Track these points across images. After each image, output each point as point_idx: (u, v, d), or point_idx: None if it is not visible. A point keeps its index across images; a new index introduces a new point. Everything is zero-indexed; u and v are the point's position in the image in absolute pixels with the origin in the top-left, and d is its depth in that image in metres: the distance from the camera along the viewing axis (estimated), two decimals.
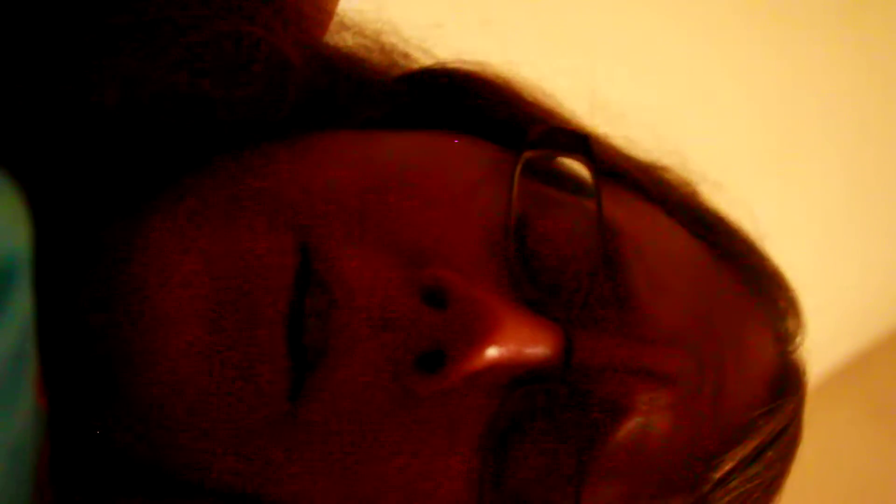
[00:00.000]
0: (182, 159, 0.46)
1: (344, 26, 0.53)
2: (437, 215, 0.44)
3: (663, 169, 0.54)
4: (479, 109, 0.52)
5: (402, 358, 0.42)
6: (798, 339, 0.53)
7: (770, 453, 0.48)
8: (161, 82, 0.45)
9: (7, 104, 0.42)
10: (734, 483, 0.47)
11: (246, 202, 0.44)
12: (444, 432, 0.43)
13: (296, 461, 0.43)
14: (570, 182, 0.48)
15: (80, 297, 0.44)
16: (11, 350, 0.32)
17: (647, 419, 0.44)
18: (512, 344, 0.42)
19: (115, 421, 0.44)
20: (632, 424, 0.44)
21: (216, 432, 0.43)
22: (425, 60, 0.55)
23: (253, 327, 0.41)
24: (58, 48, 0.44)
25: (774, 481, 0.49)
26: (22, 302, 0.32)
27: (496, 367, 0.42)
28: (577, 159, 0.46)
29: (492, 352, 0.41)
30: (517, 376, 0.43)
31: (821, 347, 0.55)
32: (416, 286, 0.42)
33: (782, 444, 0.49)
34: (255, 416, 0.42)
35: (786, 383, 0.50)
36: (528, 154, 0.46)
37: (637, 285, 0.45)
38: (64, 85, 0.44)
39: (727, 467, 0.46)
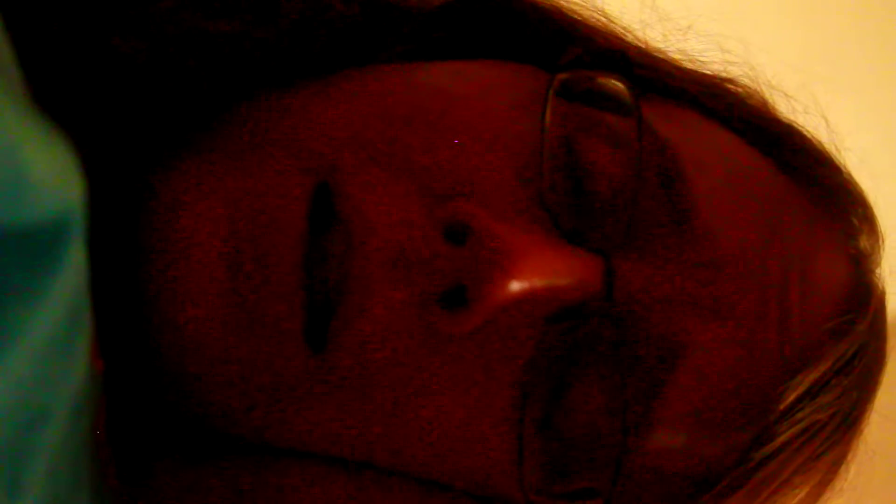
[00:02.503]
0: (215, 105, 0.46)
1: None
2: (465, 146, 0.43)
3: (727, 81, 0.52)
4: (521, 31, 0.51)
5: (424, 297, 0.41)
6: (874, 258, 0.51)
7: (842, 380, 0.46)
8: (189, 23, 0.45)
9: (38, 58, 0.41)
10: (802, 413, 0.45)
11: (265, 142, 0.43)
12: (481, 372, 0.42)
13: (323, 409, 0.42)
14: (618, 104, 0.46)
15: (117, 251, 0.44)
16: (66, 309, 0.33)
17: (706, 357, 0.43)
18: (537, 277, 0.40)
19: (155, 376, 0.44)
20: (688, 366, 0.43)
21: (241, 383, 0.42)
22: None
23: (268, 271, 0.41)
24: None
25: (854, 411, 0.47)
26: (77, 258, 0.32)
27: (523, 301, 0.40)
28: (615, 77, 0.45)
29: (515, 286, 0.40)
30: (554, 312, 0.41)
31: None
32: (439, 221, 0.41)
33: (857, 370, 0.47)
34: (276, 363, 0.42)
35: (856, 304, 0.48)
36: (561, 75, 0.44)
37: (696, 201, 0.44)
38: (88, 33, 0.44)
39: (793, 395, 0.45)
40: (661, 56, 0.52)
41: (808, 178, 0.50)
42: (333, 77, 0.46)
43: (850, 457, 0.48)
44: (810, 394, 0.45)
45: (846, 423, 0.47)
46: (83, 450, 0.38)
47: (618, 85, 0.45)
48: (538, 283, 0.40)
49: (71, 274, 0.32)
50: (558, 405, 0.43)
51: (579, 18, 0.52)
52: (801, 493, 0.47)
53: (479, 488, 0.44)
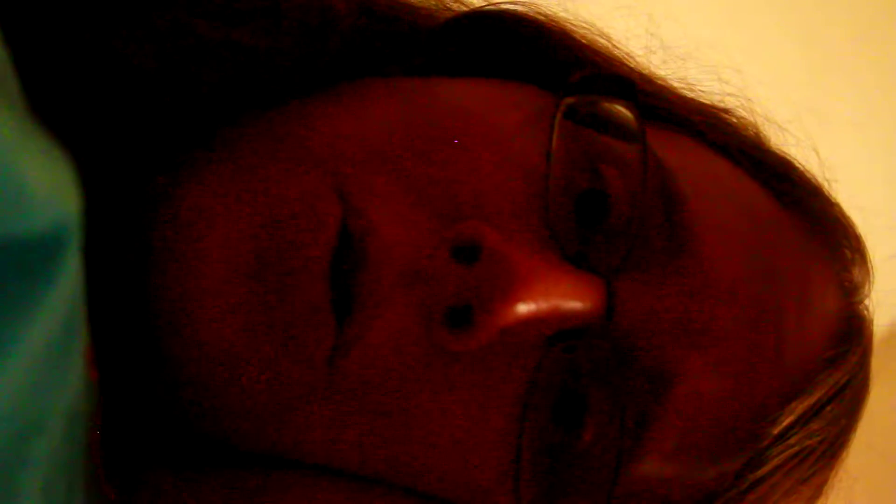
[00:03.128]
0: (224, 113, 0.46)
1: None
2: (474, 165, 0.44)
3: (724, 111, 0.53)
4: (527, 53, 0.52)
5: (430, 314, 0.42)
6: (864, 290, 0.52)
7: (833, 407, 0.47)
8: (199, 34, 0.45)
9: (45, 67, 0.42)
10: (794, 439, 0.46)
11: (283, 154, 0.44)
12: (483, 390, 0.42)
13: (329, 418, 0.43)
14: (622, 129, 0.46)
15: (124, 259, 0.44)
16: (62, 318, 0.33)
17: (699, 384, 0.44)
18: (542, 299, 0.41)
19: (163, 386, 0.44)
20: (682, 392, 0.43)
21: (256, 390, 0.43)
22: (475, 2, 0.55)
23: (295, 280, 0.41)
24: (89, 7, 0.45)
25: (840, 438, 0.49)
26: (73, 270, 0.32)
27: (527, 323, 0.41)
28: (621, 103, 0.45)
29: (521, 308, 0.41)
30: (555, 334, 0.42)
31: (891, 297, 0.54)
32: (448, 240, 0.42)
33: (846, 399, 0.48)
34: (297, 373, 0.42)
35: (849, 334, 0.49)
36: (569, 99, 0.45)
37: (694, 228, 0.44)
38: (99, 43, 0.44)
39: (786, 422, 0.46)
40: (663, 83, 0.53)
41: (803, 210, 0.51)
42: (345, 88, 0.47)
43: (833, 480, 0.50)
44: (802, 420, 0.46)
45: (833, 448, 0.48)
46: (78, 460, 0.38)
47: (623, 110, 0.45)
48: (543, 305, 0.41)
49: (67, 285, 0.32)
50: (555, 427, 0.43)
51: (585, 42, 0.53)
52: None
53: (475, 502, 0.44)
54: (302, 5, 0.47)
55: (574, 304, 0.41)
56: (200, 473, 0.44)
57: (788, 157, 0.53)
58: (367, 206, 0.42)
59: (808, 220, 0.51)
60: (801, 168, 0.53)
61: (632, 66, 0.53)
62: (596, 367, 0.43)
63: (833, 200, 0.53)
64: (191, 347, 0.42)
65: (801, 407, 0.46)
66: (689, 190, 0.45)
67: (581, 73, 0.47)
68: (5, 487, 0.33)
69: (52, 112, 0.35)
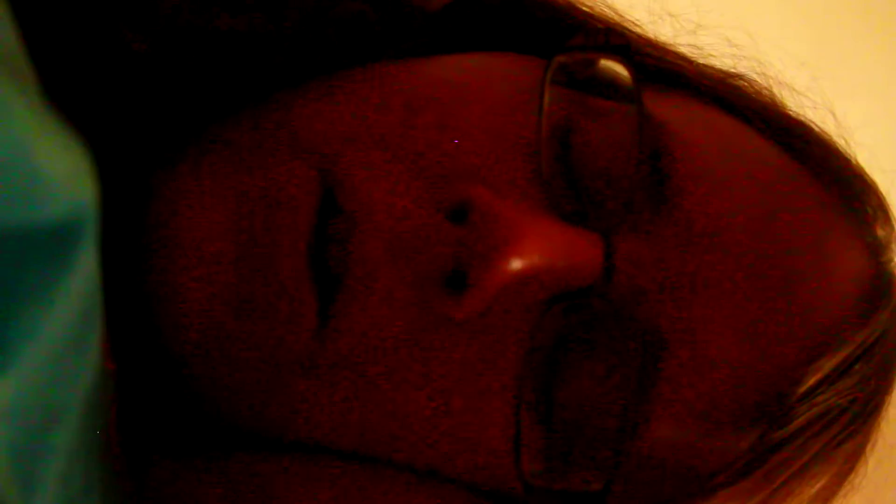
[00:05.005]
0: (220, 101, 0.46)
1: None
2: (465, 133, 0.43)
3: (736, 76, 0.53)
4: (526, 21, 0.51)
5: (426, 279, 0.41)
6: (891, 248, 0.51)
7: (861, 366, 0.46)
8: (196, 20, 0.46)
9: (51, 56, 0.42)
10: (821, 398, 0.45)
11: (270, 139, 0.44)
12: (479, 356, 0.42)
13: (323, 392, 0.43)
14: (618, 91, 0.46)
15: (122, 248, 0.44)
16: (80, 307, 0.33)
17: (703, 342, 0.43)
18: (538, 254, 0.40)
19: (161, 369, 0.45)
20: (685, 352, 0.43)
21: (246, 373, 0.43)
22: None
23: (274, 260, 0.41)
24: None
25: (872, 400, 0.47)
26: (90, 257, 0.33)
27: (524, 280, 0.40)
28: (614, 59, 0.45)
29: (515, 264, 0.40)
30: (553, 293, 0.41)
31: None
32: (439, 203, 0.41)
33: (876, 358, 0.47)
34: (281, 347, 0.42)
35: (877, 293, 0.48)
36: (560, 58, 0.44)
37: (684, 182, 0.44)
38: (97, 29, 0.45)
39: (811, 381, 0.45)
40: (667, 47, 0.52)
41: (820, 167, 0.50)
42: (339, 74, 0.47)
43: (868, 449, 0.48)
44: (830, 379, 0.45)
45: (865, 411, 0.47)
46: (95, 450, 0.39)
47: (617, 68, 0.45)
48: (539, 261, 0.40)
49: (83, 273, 0.33)
50: (556, 393, 0.43)
51: (587, 10, 0.52)
52: (819, 484, 0.47)
53: (476, 477, 0.44)
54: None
55: (572, 261, 0.41)
56: (204, 459, 0.45)
57: (804, 119, 0.53)
58: (354, 179, 0.42)
59: (826, 178, 0.50)
60: (818, 129, 0.52)
61: (636, 31, 0.52)
62: (596, 327, 0.42)
63: (852, 159, 0.52)
64: (182, 332, 0.43)
65: (827, 365, 0.45)
66: (679, 143, 0.44)
67: (575, 33, 0.46)
68: (26, 476, 0.33)
69: (66, 100, 0.35)
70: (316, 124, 0.44)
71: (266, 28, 0.47)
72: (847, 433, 0.46)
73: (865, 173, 0.52)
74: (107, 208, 0.34)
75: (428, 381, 0.42)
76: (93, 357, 0.36)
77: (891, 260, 0.51)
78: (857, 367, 0.46)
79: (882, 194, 0.52)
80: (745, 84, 0.52)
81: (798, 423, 0.44)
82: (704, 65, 0.52)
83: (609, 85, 0.46)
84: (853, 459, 0.48)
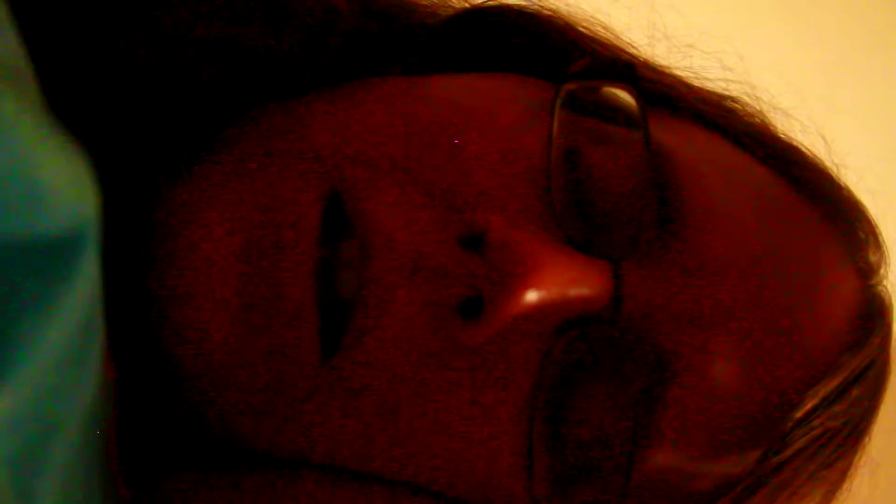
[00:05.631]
0: (228, 115, 0.47)
1: None
2: (475, 158, 0.44)
3: (730, 99, 0.54)
4: (529, 46, 0.52)
5: (441, 306, 0.42)
6: (882, 272, 0.52)
7: (855, 390, 0.47)
8: (200, 34, 0.46)
9: (61, 67, 0.43)
10: (817, 422, 0.46)
11: (276, 152, 0.44)
12: (492, 382, 0.43)
13: (333, 417, 0.43)
14: (623, 116, 0.47)
15: (126, 262, 0.44)
16: (80, 318, 0.33)
17: (706, 368, 0.44)
18: (554, 286, 0.41)
19: (166, 385, 0.45)
20: (689, 377, 0.43)
21: (252, 390, 0.43)
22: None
23: (280, 280, 0.42)
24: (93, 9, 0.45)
25: (863, 421, 0.49)
26: (91, 270, 0.33)
27: (540, 311, 0.41)
28: (622, 88, 0.46)
29: (532, 295, 0.41)
30: (566, 320, 0.42)
31: None
32: (454, 231, 0.42)
33: (869, 381, 0.48)
34: (288, 371, 0.42)
35: (870, 317, 0.50)
36: (568, 86, 0.45)
37: (690, 210, 0.45)
38: (103, 45, 0.45)
39: (808, 406, 0.46)
40: (665, 70, 0.53)
41: (812, 192, 0.51)
42: (344, 87, 0.47)
43: (857, 464, 0.49)
44: (825, 403, 0.46)
45: (856, 431, 0.48)
46: (95, 461, 0.39)
47: (624, 96, 0.46)
48: (555, 292, 0.41)
49: (85, 285, 0.33)
50: (566, 417, 0.43)
51: (587, 33, 0.53)
52: (814, 502, 0.48)
53: (488, 500, 0.44)
54: (304, 5, 0.48)
55: (584, 291, 0.42)
56: (209, 475, 0.45)
57: (795, 142, 0.54)
58: (367, 200, 0.42)
59: (818, 203, 0.51)
60: (809, 152, 0.53)
61: (634, 54, 0.53)
62: (604, 353, 0.43)
63: (842, 183, 0.53)
64: (188, 348, 0.43)
65: (823, 390, 0.46)
66: (686, 173, 0.45)
67: (581, 61, 0.47)
68: (25, 489, 0.33)
69: (69, 111, 0.36)
70: (324, 140, 0.44)
71: (270, 41, 0.47)
72: (839, 453, 0.48)
73: (856, 198, 0.53)
74: (110, 218, 0.34)
75: (441, 404, 0.43)
76: (93, 368, 0.36)
77: (880, 283, 0.52)
78: (852, 391, 0.47)
79: (872, 219, 0.53)
80: (739, 107, 0.53)
81: (796, 447, 0.46)
82: (700, 88, 0.53)
83: (613, 109, 0.47)
84: (843, 477, 0.49)
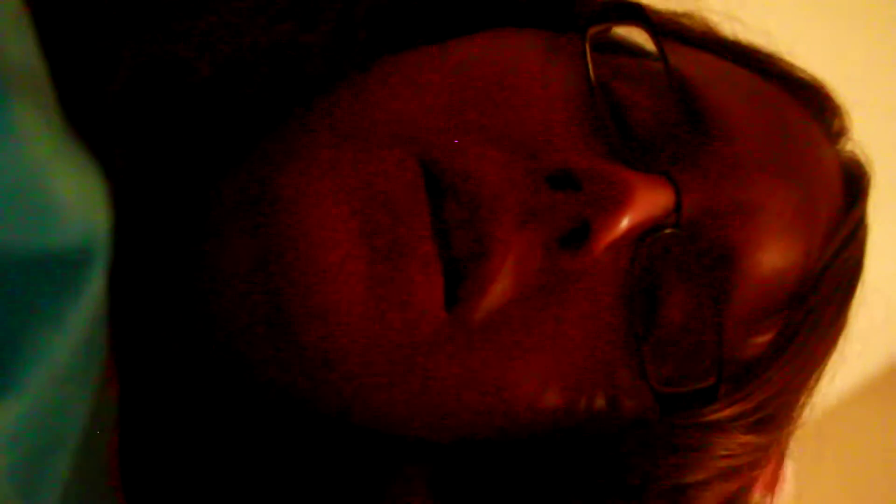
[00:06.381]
0: (272, 108, 0.50)
1: None
2: (530, 105, 0.49)
3: (686, 16, 0.59)
4: (527, 1, 0.57)
5: (550, 243, 0.47)
6: (847, 134, 0.60)
7: (854, 240, 0.56)
8: (244, 34, 0.50)
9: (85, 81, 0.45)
10: (833, 268, 0.54)
11: (361, 132, 0.48)
12: (595, 295, 0.49)
13: (459, 363, 0.48)
14: (636, 49, 0.54)
15: (217, 252, 0.48)
16: (86, 333, 0.33)
17: (757, 250, 0.51)
18: (643, 207, 0.47)
19: (279, 367, 0.48)
20: (746, 263, 0.50)
21: (381, 358, 0.47)
22: None
23: (404, 248, 0.46)
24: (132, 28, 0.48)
25: (859, 265, 0.57)
26: (97, 287, 0.32)
27: (634, 230, 0.48)
28: (634, 25, 0.52)
29: (628, 218, 0.47)
30: (643, 233, 0.49)
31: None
32: (541, 176, 0.47)
33: (861, 231, 0.57)
34: (417, 331, 0.47)
35: (855, 177, 0.58)
36: (592, 30, 0.51)
37: (713, 120, 0.51)
38: (151, 50, 0.48)
39: (828, 256, 0.54)
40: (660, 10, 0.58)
41: (787, 83, 0.57)
42: (383, 66, 0.51)
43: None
44: (837, 252, 0.54)
45: (856, 276, 0.57)
46: (95, 477, 0.39)
47: (640, 31, 0.52)
48: (644, 212, 0.47)
49: (92, 300, 0.32)
50: (657, 312, 0.50)
51: None
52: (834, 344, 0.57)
53: (604, 399, 0.51)
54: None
55: (660, 205, 0.48)
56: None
57: (749, 41, 0.60)
58: (459, 162, 0.47)
59: (794, 91, 0.57)
60: (765, 48, 0.60)
61: None
62: (676, 254, 0.50)
63: (801, 69, 0.60)
64: (320, 319, 0.46)
65: (835, 243, 0.54)
66: (703, 90, 0.52)
67: (593, 6, 0.53)
68: (26, 501, 0.33)
69: (87, 124, 0.36)
70: (397, 115, 0.49)
71: (306, 35, 0.51)
72: (848, 295, 0.56)
73: (813, 76, 0.60)
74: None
75: (557, 328, 0.48)
76: (96, 384, 0.36)
77: (848, 144, 0.60)
78: (853, 241, 0.56)
79: (831, 90, 0.60)
80: (695, 20, 0.59)
81: (822, 290, 0.54)
82: (668, 12, 0.58)
83: (625, 46, 0.54)
84: (847, 318, 0.57)
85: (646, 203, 0.47)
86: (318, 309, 0.46)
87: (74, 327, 0.32)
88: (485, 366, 0.48)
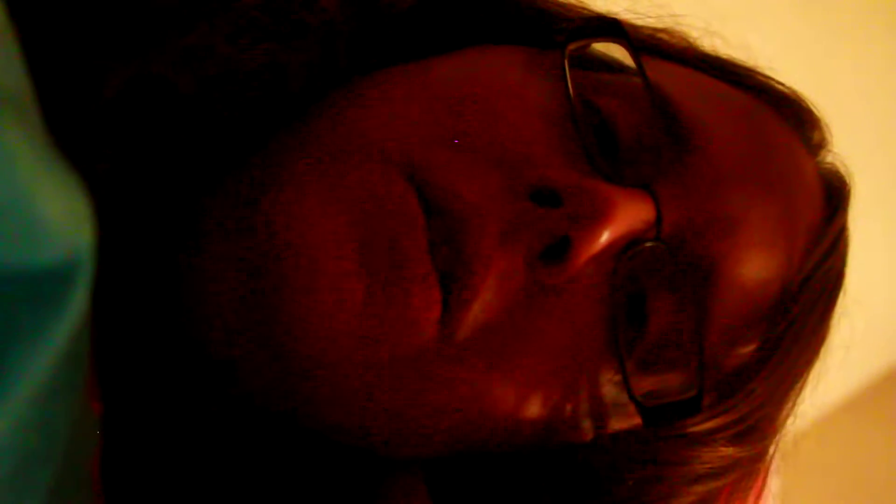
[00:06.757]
0: (260, 123, 0.51)
1: None
2: (509, 120, 0.49)
3: (665, 32, 0.59)
4: (506, 18, 0.58)
5: (532, 258, 0.48)
6: (828, 146, 0.60)
7: (835, 251, 0.56)
8: (228, 56, 0.50)
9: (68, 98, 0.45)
10: (815, 278, 0.54)
11: (347, 151, 0.48)
12: (577, 307, 0.49)
13: (455, 380, 0.48)
14: (615, 66, 0.54)
15: (205, 269, 0.48)
16: (68, 351, 0.33)
17: (737, 263, 0.51)
18: (624, 221, 0.48)
19: (268, 386, 0.48)
20: (728, 274, 0.51)
21: (374, 373, 0.47)
22: None
23: (402, 265, 0.46)
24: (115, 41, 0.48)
25: (840, 275, 0.57)
26: (79, 305, 0.32)
27: (615, 244, 0.48)
28: (613, 41, 0.52)
29: (609, 232, 0.47)
30: (624, 247, 0.49)
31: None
32: (522, 191, 0.48)
33: (842, 243, 0.57)
34: (412, 345, 0.47)
35: (835, 189, 0.58)
36: (572, 46, 0.51)
37: (692, 134, 0.51)
38: (135, 71, 0.48)
39: (809, 267, 0.54)
40: (640, 25, 0.59)
41: (770, 97, 0.58)
42: (361, 85, 0.52)
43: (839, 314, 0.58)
44: (819, 263, 0.55)
45: (838, 285, 0.57)
46: (79, 492, 0.39)
47: (619, 47, 0.52)
48: (624, 227, 0.48)
49: (75, 316, 0.32)
50: (638, 331, 0.50)
51: (563, 1, 0.58)
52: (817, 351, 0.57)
53: (589, 415, 0.51)
54: (306, 19, 0.52)
55: (640, 218, 0.49)
56: None
57: (729, 55, 0.60)
58: (443, 180, 0.47)
59: (774, 103, 0.58)
60: (744, 62, 0.60)
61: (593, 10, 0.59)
62: (656, 266, 0.50)
63: (779, 81, 0.60)
64: (317, 336, 0.47)
65: (816, 255, 0.54)
66: (681, 104, 0.52)
67: (569, 23, 0.54)
68: None
69: (72, 140, 0.36)
70: (384, 132, 0.49)
71: (288, 56, 0.51)
72: (830, 304, 0.57)
73: (790, 88, 0.60)
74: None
75: (541, 339, 0.49)
76: (78, 399, 0.36)
77: (828, 156, 0.60)
78: (833, 251, 0.56)
79: (810, 103, 0.60)
80: (675, 36, 0.59)
81: (803, 299, 0.54)
82: (648, 27, 0.59)
83: (610, 60, 0.54)
84: (829, 326, 0.58)
85: (626, 217, 0.47)
86: (316, 325, 0.46)
87: (57, 343, 0.32)
88: (471, 380, 0.48)
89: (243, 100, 0.50)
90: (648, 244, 0.49)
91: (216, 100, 0.49)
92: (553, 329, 0.48)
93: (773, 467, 0.60)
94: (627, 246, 0.49)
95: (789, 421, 0.57)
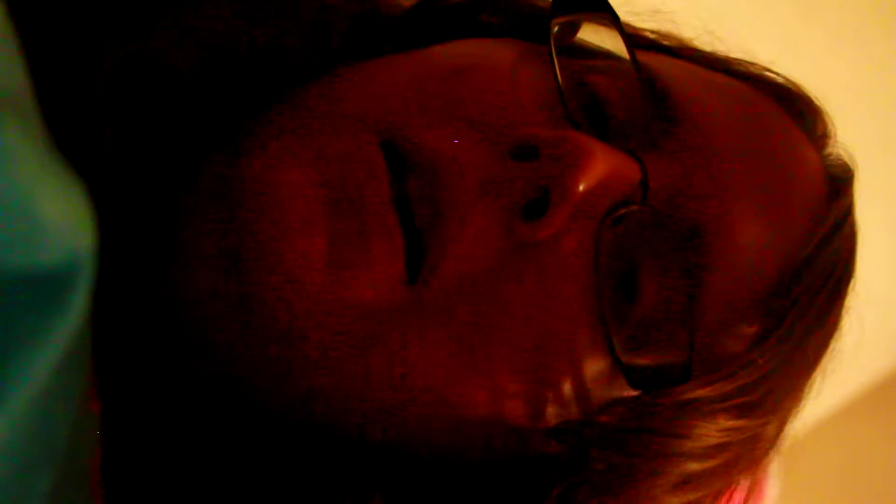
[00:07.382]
0: (252, 103, 0.51)
1: None
2: (496, 90, 0.49)
3: (663, 35, 0.60)
4: (500, 11, 0.59)
5: (511, 213, 0.47)
6: (831, 137, 0.60)
7: (839, 235, 0.55)
8: (228, 35, 0.51)
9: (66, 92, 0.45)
10: (817, 262, 0.53)
11: (326, 116, 0.49)
12: (559, 269, 0.48)
13: (422, 338, 0.47)
14: (600, 51, 0.53)
15: (188, 238, 0.48)
16: (69, 352, 0.33)
17: (731, 230, 0.50)
18: (603, 171, 0.47)
19: (245, 348, 0.48)
20: (719, 242, 0.50)
21: (342, 329, 0.47)
22: None
23: (365, 220, 0.46)
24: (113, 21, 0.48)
25: (849, 264, 0.57)
26: (80, 307, 0.33)
27: (594, 193, 0.47)
28: (600, 16, 0.52)
29: (589, 180, 0.46)
30: (609, 206, 0.48)
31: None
32: (504, 147, 0.47)
33: (848, 227, 0.57)
34: (378, 302, 0.46)
35: (839, 170, 0.58)
36: (556, 20, 0.51)
37: (680, 106, 0.51)
38: (138, 50, 0.49)
39: (810, 249, 0.53)
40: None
41: (766, 84, 0.58)
42: (353, 68, 0.52)
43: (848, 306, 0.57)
44: (821, 246, 0.54)
45: (846, 273, 0.56)
46: (79, 493, 0.39)
47: (611, 39, 0.52)
48: (606, 175, 0.47)
49: (76, 317, 0.33)
50: (630, 291, 0.50)
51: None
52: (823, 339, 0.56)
53: (571, 383, 0.50)
54: (305, 7, 0.54)
55: (625, 174, 0.48)
56: None
57: (727, 54, 0.61)
58: (422, 138, 0.47)
59: (774, 93, 0.58)
60: (745, 59, 0.61)
61: None
62: (643, 232, 0.49)
63: (781, 75, 0.60)
64: (280, 290, 0.47)
65: (818, 236, 0.54)
66: (668, 81, 0.52)
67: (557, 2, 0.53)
68: None
69: (71, 140, 0.36)
70: (362, 102, 0.49)
71: (286, 38, 0.52)
72: (837, 293, 0.56)
73: (794, 82, 0.60)
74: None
75: (521, 302, 0.48)
76: (79, 401, 0.36)
77: (833, 146, 0.60)
78: (838, 234, 0.55)
79: (811, 95, 0.60)
80: (673, 38, 0.60)
81: (806, 281, 0.53)
82: (644, 29, 0.59)
83: (594, 50, 0.54)
84: (839, 317, 0.57)
85: (604, 165, 0.47)
86: (282, 280, 0.46)
87: (58, 345, 0.32)
88: (446, 343, 0.47)
89: (236, 80, 0.50)
90: (634, 207, 0.48)
91: (210, 80, 0.50)
92: (535, 294, 0.47)
93: (771, 471, 0.60)
94: (612, 209, 0.48)
95: (797, 417, 0.55)
